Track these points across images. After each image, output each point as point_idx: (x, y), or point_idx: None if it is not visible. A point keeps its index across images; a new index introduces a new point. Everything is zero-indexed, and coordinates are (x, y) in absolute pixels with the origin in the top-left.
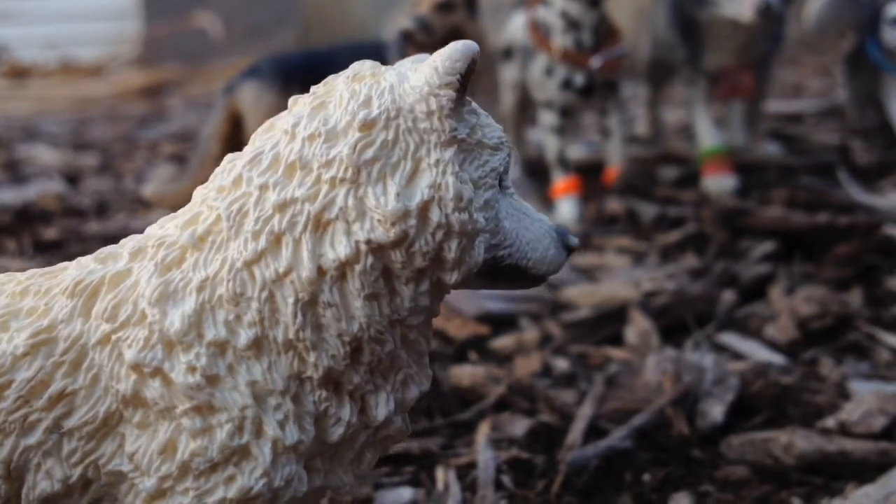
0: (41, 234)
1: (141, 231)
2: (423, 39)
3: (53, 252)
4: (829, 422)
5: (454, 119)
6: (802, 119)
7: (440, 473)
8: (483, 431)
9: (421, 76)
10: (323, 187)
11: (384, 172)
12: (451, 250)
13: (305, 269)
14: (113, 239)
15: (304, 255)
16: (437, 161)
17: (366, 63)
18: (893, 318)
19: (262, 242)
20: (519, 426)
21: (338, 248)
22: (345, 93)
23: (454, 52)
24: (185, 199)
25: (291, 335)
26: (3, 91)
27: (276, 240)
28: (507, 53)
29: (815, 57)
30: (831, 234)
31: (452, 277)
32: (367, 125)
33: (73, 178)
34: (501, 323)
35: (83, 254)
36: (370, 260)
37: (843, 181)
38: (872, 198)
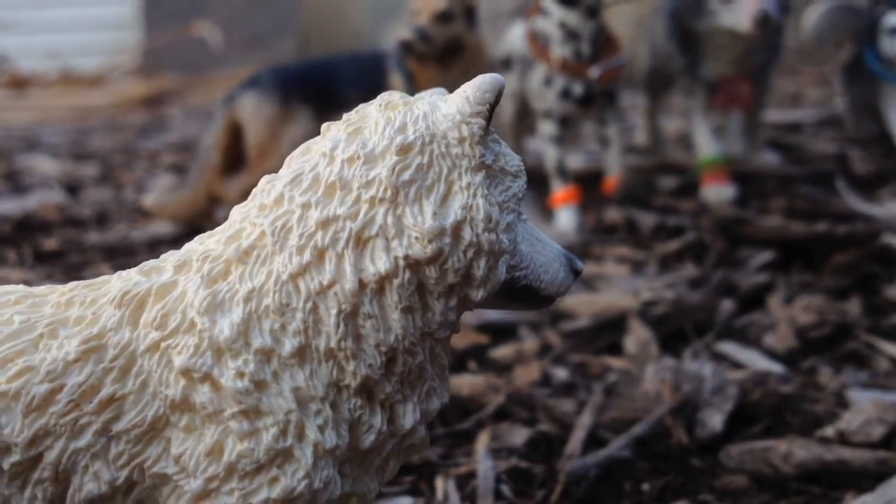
0: (41, 245)
1: (141, 241)
2: (422, 50)
3: (53, 262)
4: (828, 431)
5: (482, 146)
6: (801, 128)
7: (440, 483)
8: (482, 441)
9: (452, 105)
10: (363, 206)
11: (420, 193)
12: (480, 268)
13: (348, 282)
14: (113, 249)
15: (346, 269)
16: (469, 184)
17: (394, 93)
18: (892, 326)
19: (307, 256)
20: (518, 435)
21: (378, 263)
22: (380, 119)
23: (483, 84)
24: (185, 209)
25: (333, 344)
26: (4, 101)
27: (320, 254)
28: (506, 64)
29: (814, 66)
30: (830, 243)
31: (478, 294)
32: (404, 149)
33: (73, 188)
34: (501, 332)
35: (83, 264)
36: (407, 275)
37: (841, 190)
38: (871, 207)
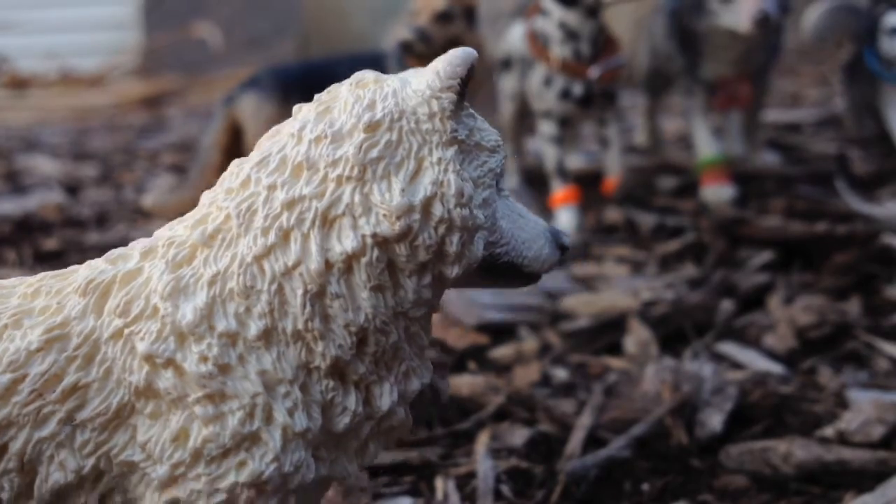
0: (41, 245)
1: None
2: (422, 50)
3: (53, 263)
4: (828, 431)
5: (454, 121)
6: (801, 128)
7: (439, 483)
8: (482, 441)
9: (422, 80)
10: (330, 185)
11: (388, 171)
12: (453, 244)
13: (314, 262)
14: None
15: (312, 249)
16: (439, 160)
17: (368, 72)
18: (892, 326)
19: (272, 238)
20: (518, 436)
21: (345, 242)
22: (349, 98)
23: (454, 58)
24: (185, 210)
25: (300, 326)
26: (4, 101)
27: (285, 235)
28: (506, 64)
29: (813, 66)
30: (830, 243)
31: (453, 271)
32: (372, 127)
33: (73, 188)
34: (500, 332)
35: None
36: (376, 253)
37: (841, 190)
38: (871, 207)
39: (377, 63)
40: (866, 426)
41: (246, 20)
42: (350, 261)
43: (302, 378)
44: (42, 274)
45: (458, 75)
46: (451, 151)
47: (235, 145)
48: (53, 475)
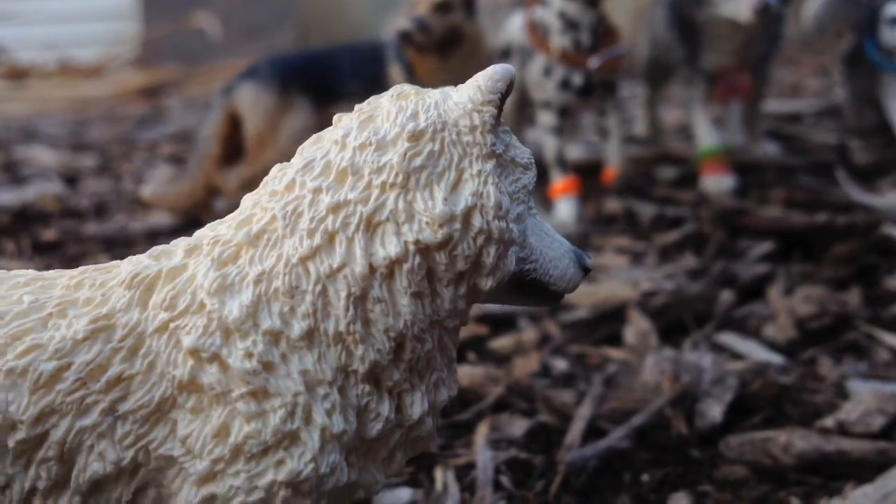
0: (40, 236)
1: (139, 232)
2: (421, 40)
3: (52, 253)
4: (828, 421)
5: (493, 135)
6: (801, 119)
7: (439, 474)
8: (482, 432)
9: (464, 94)
10: (374, 191)
11: (431, 179)
12: (490, 255)
13: (358, 266)
14: (112, 240)
15: (356, 253)
16: (479, 172)
17: (408, 85)
18: (892, 317)
19: (317, 240)
20: (518, 426)
21: (388, 247)
22: (392, 108)
23: (495, 73)
24: (184, 200)
25: (342, 328)
26: (2, 92)
27: (330, 238)
28: (506, 54)
29: (814, 57)
30: (830, 233)
31: (488, 283)
32: (416, 136)
33: (71, 179)
34: (500, 323)
35: (82, 255)
36: (417, 259)
37: (841, 181)
38: (871, 197)
39: (376, 53)
40: (866, 417)
41: (244, 10)
42: (392, 266)
43: (340, 381)
44: (84, 267)
45: (498, 90)
46: (490, 164)
47: (234, 135)
48: (92, 465)
